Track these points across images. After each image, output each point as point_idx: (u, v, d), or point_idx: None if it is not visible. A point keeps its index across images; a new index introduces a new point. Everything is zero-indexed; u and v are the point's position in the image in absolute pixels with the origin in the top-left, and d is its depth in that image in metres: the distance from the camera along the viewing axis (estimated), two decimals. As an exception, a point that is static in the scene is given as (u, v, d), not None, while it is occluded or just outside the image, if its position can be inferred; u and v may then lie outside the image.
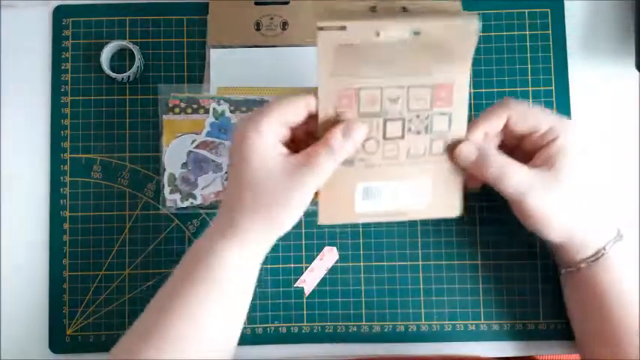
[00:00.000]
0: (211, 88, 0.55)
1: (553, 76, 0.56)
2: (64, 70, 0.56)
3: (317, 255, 0.55)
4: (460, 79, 0.44)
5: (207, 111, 0.54)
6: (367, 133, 0.44)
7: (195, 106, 0.54)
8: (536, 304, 0.54)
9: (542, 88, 0.56)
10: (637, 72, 0.55)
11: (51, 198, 0.55)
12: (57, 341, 0.54)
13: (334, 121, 0.44)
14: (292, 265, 0.55)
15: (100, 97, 0.56)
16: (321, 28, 0.40)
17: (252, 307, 0.53)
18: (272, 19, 0.56)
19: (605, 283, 0.47)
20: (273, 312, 0.54)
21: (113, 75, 0.56)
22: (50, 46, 0.57)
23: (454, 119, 0.45)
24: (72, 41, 0.57)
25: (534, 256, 0.54)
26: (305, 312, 0.54)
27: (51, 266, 0.55)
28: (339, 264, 0.55)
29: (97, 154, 0.56)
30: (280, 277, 0.54)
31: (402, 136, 0.45)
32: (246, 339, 0.53)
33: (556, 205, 0.45)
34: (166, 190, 0.54)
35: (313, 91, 0.43)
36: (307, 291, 0.54)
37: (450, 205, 0.48)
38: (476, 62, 0.56)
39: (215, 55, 0.56)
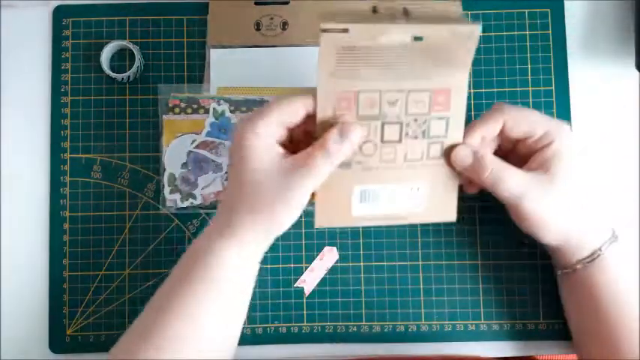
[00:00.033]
0: (211, 88, 0.55)
1: (553, 76, 0.56)
2: (64, 70, 0.57)
3: (317, 255, 0.55)
4: (459, 85, 0.44)
5: (207, 111, 0.54)
6: (365, 136, 0.44)
7: (195, 106, 0.54)
8: (536, 304, 0.54)
9: (542, 88, 0.56)
10: (637, 72, 0.55)
11: (51, 198, 0.55)
12: (57, 341, 0.54)
13: (333, 123, 0.44)
14: (292, 265, 0.55)
15: (100, 97, 0.56)
16: (324, 30, 0.40)
17: (252, 307, 0.54)
18: (272, 19, 0.56)
19: (601, 283, 0.47)
20: (273, 312, 0.54)
21: (113, 75, 0.56)
22: (50, 46, 0.57)
23: (451, 124, 0.45)
24: (72, 41, 0.57)
25: (534, 256, 0.54)
26: (305, 312, 0.54)
27: (51, 266, 0.55)
28: (339, 264, 0.55)
29: (97, 154, 0.56)
30: (280, 277, 0.54)
31: (400, 140, 0.45)
32: (246, 339, 0.53)
33: (552, 208, 0.46)
34: (166, 190, 0.54)
35: (312, 92, 0.43)
36: (307, 291, 0.54)
37: (446, 210, 0.48)
38: (476, 62, 0.56)
39: (215, 55, 0.56)
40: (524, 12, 0.57)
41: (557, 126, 0.46)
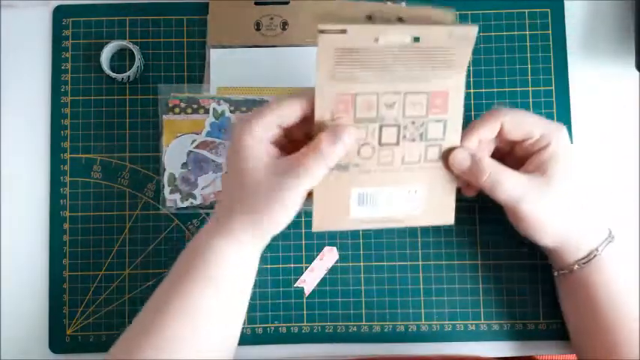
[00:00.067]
0: (211, 88, 0.55)
1: (553, 76, 0.56)
2: (64, 70, 0.57)
3: (317, 255, 0.55)
4: (456, 87, 0.44)
5: (207, 111, 0.54)
6: (363, 139, 0.44)
7: (195, 106, 0.54)
8: (536, 304, 0.54)
9: (542, 88, 0.56)
10: (637, 72, 0.55)
11: (51, 198, 0.55)
12: (57, 341, 0.54)
13: (330, 125, 0.44)
14: (292, 265, 0.55)
15: (100, 97, 0.56)
16: (322, 31, 0.40)
17: (252, 307, 0.54)
18: (272, 19, 0.56)
19: (598, 284, 0.47)
20: (273, 312, 0.54)
21: (113, 75, 0.56)
22: (50, 46, 0.57)
23: (449, 126, 0.45)
24: (72, 41, 0.57)
25: (534, 256, 0.54)
26: (305, 312, 0.54)
27: (51, 266, 0.55)
28: (339, 264, 0.55)
29: (97, 154, 0.56)
30: (280, 277, 0.54)
31: (397, 143, 0.45)
32: (246, 339, 0.53)
33: (549, 210, 0.46)
34: (166, 190, 0.54)
35: (309, 91, 0.43)
36: (307, 291, 0.54)
37: (444, 213, 0.48)
38: (476, 62, 0.56)
39: (215, 55, 0.56)
40: (524, 12, 0.57)
41: (554, 128, 0.46)
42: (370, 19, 0.43)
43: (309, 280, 0.54)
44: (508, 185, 0.45)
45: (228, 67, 0.56)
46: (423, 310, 0.54)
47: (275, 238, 0.53)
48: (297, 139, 0.46)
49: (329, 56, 0.41)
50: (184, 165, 0.54)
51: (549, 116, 0.56)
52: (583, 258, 0.47)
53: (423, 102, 0.44)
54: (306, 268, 0.55)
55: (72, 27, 0.57)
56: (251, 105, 0.55)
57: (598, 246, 0.47)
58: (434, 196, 0.47)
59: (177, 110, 0.54)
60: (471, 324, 0.54)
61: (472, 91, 0.56)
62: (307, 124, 0.44)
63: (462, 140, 0.46)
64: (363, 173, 0.45)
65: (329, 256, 0.55)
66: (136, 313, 0.46)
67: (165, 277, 0.46)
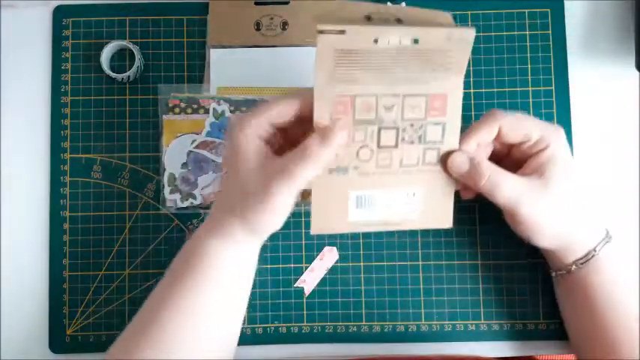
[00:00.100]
0: (211, 88, 0.55)
1: (553, 76, 0.56)
2: (64, 70, 0.57)
3: (317, 255, 0.55)
4: (455, 89, 0.44)
5: (207, 111, 0.54)
6: (362, 141, 0.44)
7: (195, 106, 0.54)
8: (536, 304, 0.54)
9: (542, 88, 0.56)
10: (637, 72, 0.55)
11: (51, 198, 0.55)
12: (57, 341, 0.54)
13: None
14: (292, 265, 0.55)
15: (100, 97, 0.56)
16: (320, 32, 0.40)
17: (252, 307, 0.54)
18: (272, 19, 0.56)
19: (596, 284, 0.47)
20: (273, 312, 0.54)
21: (113, 75, 0.56)
22: (50, 46, 0.57)
23: (447, 129, 0.45)
24: (72, 41, 0.57)
25: (534, 256, 0.54)
26: (305, 312, 0.54)
27: (51, 266, 0.55)
28: (339, 264, 0.55)
29: (97, 154, 0.56)
30: (280, 277, 0.54)
31: (396, 145, 0.45)
32: (246, 339, 0.53)
33: (547, 212, 0.46)
34: (166, 190, 0.54)
35: (303, 91, 0.43)
36: (307, 291, 0.54)
37: (442, 216, 0.48)
38: (476, 62, 0.56)
39: (215, 55, 0.56)
40: (524, 12, 0.57)
41: (552, 131, 0.46)
42: (369, 19, 0.43)
43: (309, 280, 0.54)
44: (507, 188, 0.45)
45: (228, 67, 0.56)
46: (423, 310, 0.54)
47: (275, 238, 0.54)
48: (296, 141, 0.45)
49: (328, 57, 0.41)
50: (184, 165, 0.54)
51: (549, 116, 0.56)
52: (580, 258, 0.47)
53: (422, 104, 0.44)
54: (306, 268, 0.55)
55: (72, 27, 0.57)
56: (251, 105, 0.55)
57: (595, 246, 0.47)
58: (432, 199, 0.47)
59: (177, 110, 0.54)
60: (471, 324, 0.54)
61: (472, 91, 0.56)
62: (304, 124, 0.44)
63: (460, 143, 0.46)
64: (361, 176, 0.45)
65: (329, 256, 0.55)
66: (136, 313, 0.46)
67: (162, 276, 0.46)
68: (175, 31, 0.57)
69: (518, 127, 0.46)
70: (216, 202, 0.46)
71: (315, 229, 0.46)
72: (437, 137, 0.45)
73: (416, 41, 0.41)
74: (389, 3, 0.56)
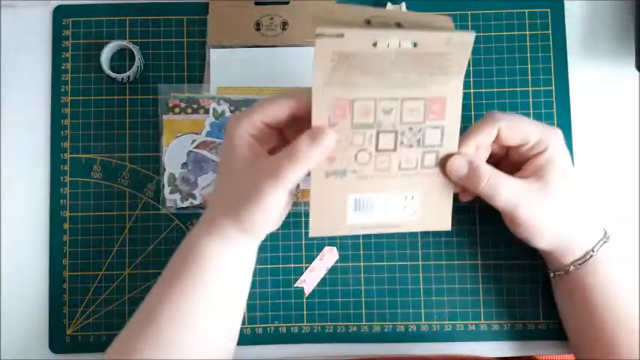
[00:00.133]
0: (211, 88, 0.55)
1: (553, 76, 0.56)
2: (64, 70, 0.57)
3: (317, 255, 0.55)
4: (454, 93, 0.44)
5: (207, 111, 0.54)
6: (360, 145, 0.44)
7: (195, 106, 0.54)
8: (536, 304, 0.54)
9: (542, 88, 0.56)
10: (637, 72, 0.55)
11: (51, 198, 0.55)
12: (57, 341, 0.54)
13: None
14: (292, 265, 0.55)
15: (100, 97, 0.56)
16: (319, 35, 0.40)
17: (252, 307, 0.54)
18: (272, 19, 0.56)
19: (595, 284, 0.47)
20: (273, 312, 0.54)
21: (113, 75, 0.56)
22: (50, 46, 0.57)
23: (446, 133, 0.45)
24: (72, 41, 0.57)
25: (534, 256, 0.54)
26: (305, 312, 0.54)
27: (51, 266, 0.55)
28: (339, 264, 0.55)
29: (97, 154, 0.56)
30: (280, 277, 0.54)
31: (395, 149, 0.45)
32: (246, 339, 0.53)
33: (546, 215, 0.46)
34: (166, 190, 0.54)
35: (298, 91, 0.43)
36: (307, 291, 0.54)
37: (441, 219, 0.48)
38: (476, 62, 0.56)
39: (215, 55, 0.56)
40: (524, 12, 0.57)
41: (551, 133, 0.47)
42: (369, 23, 0.43)
43: (309, 280, 0.54)
44: (505, 191, 0.45)
45: (228, 67, 0.56)
46: (423, 310, 0.54)
47: (275, 238, 0.54)
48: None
49: (326, 60, 0.41)
50: (184, 165, 0.54)
51: (549, 116, 0.56)
52: (579, 259, 0.47)
53: (421, 108, 0.44)
54: (306, 268, 0.55)
55: (72, 27, 0.57)
56: (251, 105, 0.54)
57: (594, 247, 0.47)
58: (431, 202, 0.47)
59: (177, 110, 0.54)
60: (471, 324, 0.54)
61: (472, 91, 0.56)
62: (300, 124, 0.44)
63: (459, 146, 0.46)
64: (360, 179, 0.45)
65: (329, 256, 0.55)
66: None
67: (160, 276, 0.46)
68: (175, 31, 0.57)
69: (517, 129, 0.46)
70: (211, 200, 0.46)
71: (314, 232, 0.46)
72: (436, 141, 0.45)
73: (415, 45, 0.41)
74: (389, 4, 0.56)
